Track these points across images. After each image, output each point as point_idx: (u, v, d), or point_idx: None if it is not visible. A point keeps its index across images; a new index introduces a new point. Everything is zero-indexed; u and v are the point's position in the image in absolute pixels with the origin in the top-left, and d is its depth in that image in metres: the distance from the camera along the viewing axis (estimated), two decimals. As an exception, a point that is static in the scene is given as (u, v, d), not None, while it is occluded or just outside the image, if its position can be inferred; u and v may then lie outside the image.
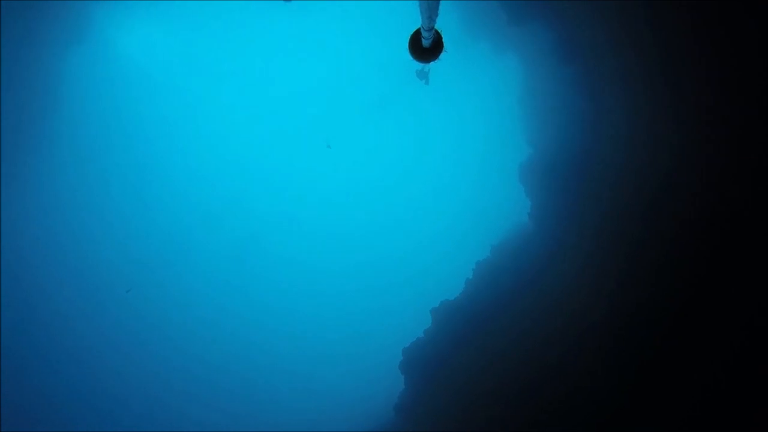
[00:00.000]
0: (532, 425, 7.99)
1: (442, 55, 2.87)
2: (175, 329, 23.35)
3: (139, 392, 20.36)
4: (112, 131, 21.50)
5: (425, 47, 2.66)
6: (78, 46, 14.36)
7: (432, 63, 3.05)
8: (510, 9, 11.56)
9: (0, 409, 10.42)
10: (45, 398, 14.41)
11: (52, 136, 14.95)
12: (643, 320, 7.00)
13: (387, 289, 28.58)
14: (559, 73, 11.14)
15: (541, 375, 8.40)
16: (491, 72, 19.47)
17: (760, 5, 5.51)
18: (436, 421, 10.83)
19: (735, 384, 5.64)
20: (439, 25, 2.48)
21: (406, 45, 2.88)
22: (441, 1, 1.68)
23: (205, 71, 27.87)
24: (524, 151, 14.61)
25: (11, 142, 12.62)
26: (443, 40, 2.57)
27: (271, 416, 22.54)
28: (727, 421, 5.52)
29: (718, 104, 6.47)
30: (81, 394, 17.38)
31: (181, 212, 26.07)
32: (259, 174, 30.54)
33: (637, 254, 7.57)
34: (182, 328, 23.79)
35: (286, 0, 19.47)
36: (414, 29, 2.86)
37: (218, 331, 25.40)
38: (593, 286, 8.55)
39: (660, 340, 6.64)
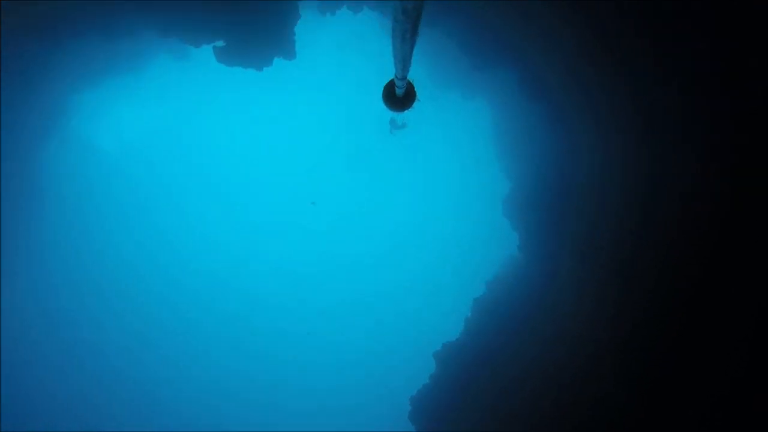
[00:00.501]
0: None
1: (415, 104, 3.06)
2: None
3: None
4: (94, 218, 21.58)
5: (398, 96, 2.84)
6: (52, 138, 14.66)
7: (406, 112, 3.19)
8: (473, 55, 12.17)
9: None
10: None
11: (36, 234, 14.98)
12: (646, 336, 7.04)
13: (382, 337, 28.21)
14: (528, 108, 11.64)
15: (554, 404, 8.29)
16: (463, 116, 20.16)
17: (718, 29, 5.93)
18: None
19: (741, 401, 5.66)
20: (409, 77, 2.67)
21: (380, 95, 3.06)
22: (413, 51, 1.84)
23: (180, 145, 28.57)
24: (505, 185, 14.97)
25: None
26: (415, 89, 2.75)
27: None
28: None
29: (684, 127, 6.81)
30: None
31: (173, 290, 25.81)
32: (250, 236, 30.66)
33: (631, 274, 7.71)
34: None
35: None
36: (386, 81, 3.05)
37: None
38: (593, 309, 8.61)
39: (666, 354, 6.66)
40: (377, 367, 26.79)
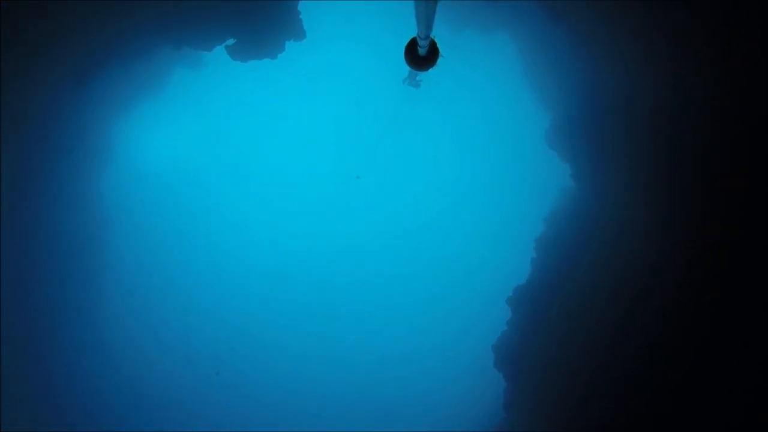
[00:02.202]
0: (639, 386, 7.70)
1: (439, 61, 2.91)
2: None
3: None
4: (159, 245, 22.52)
5: (422, 55, 2.72)
6: (105, 168, 15.27)
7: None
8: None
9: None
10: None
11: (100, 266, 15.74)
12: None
13: (455, 292, 28.35)
14: (554, 34, 11.08)
15: (627, 317, 8.12)
16: (486, 53, 19.38)
17: None
18: (551, 409, 10.54)
19: None
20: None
21: (402, 55, 2.93)
22: (437, 8, 1.74)
23: (218, 149, 29.29)
24: (545, 117, 14.42)
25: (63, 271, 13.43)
26: (437, 45, 2.62)
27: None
28: None
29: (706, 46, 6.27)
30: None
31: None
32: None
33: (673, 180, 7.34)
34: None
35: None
36: (408, 40, 2.91)
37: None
38: (659, 222, 8.26)
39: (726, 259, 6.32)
40: (454, 320, 27.01)
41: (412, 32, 2.70)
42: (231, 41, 12.57)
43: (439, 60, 2.95)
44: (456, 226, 30.62)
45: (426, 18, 1.85)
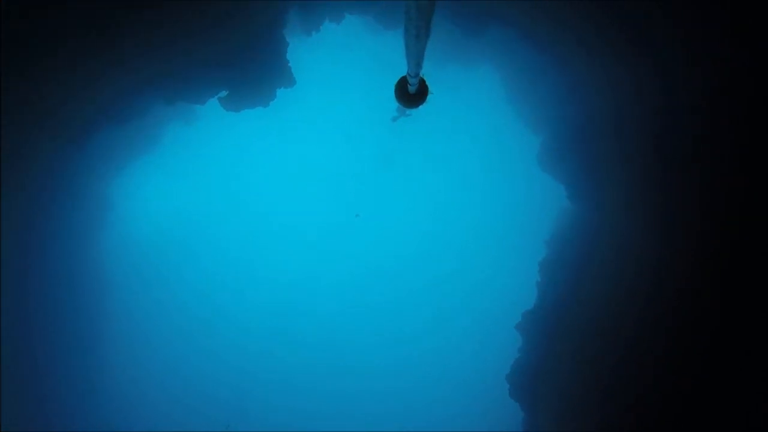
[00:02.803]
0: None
1: (429, 97, 3.03)
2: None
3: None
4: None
5: (412, 93, 2.83)
6: (104, 229, 15.35)
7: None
8: (463, 23, 12.01)
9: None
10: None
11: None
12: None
13: (458, 322, 28.13)
14: (536, 59, 11.39)
15: (638, 323, 8.05)
16: (473, 86, 19.84)
17: None
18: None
19: None
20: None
21: (393, 94, 3.05)
22: (426, 47, 1.83)
23: (219, 200, 29.51)
24: (534, 142, 14.65)
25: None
26: (427, 83, 2.73)
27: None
28: None
29: (688, 55, 6.51)
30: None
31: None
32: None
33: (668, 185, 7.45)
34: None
35: None
36: (388, 79, 3.04)
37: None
38: (660, 241, 8.32)
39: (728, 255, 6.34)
40: (465, 350, 26.65)
41: (399, 70, 2.80)
42: (223, 93, 12.88)
43: (429, 96, 3.05)
44: (459, 256, 30.58)
45: (416, 56, 1.95)
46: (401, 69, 2.64)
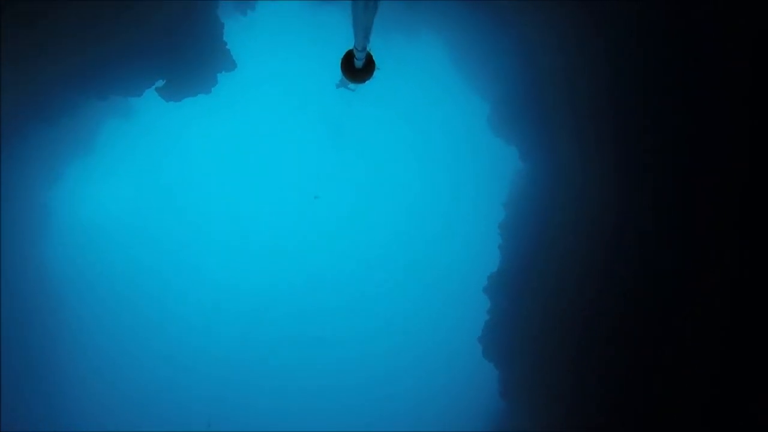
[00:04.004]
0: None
1: (375, 72, 2.91)
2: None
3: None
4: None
5: (358, 68, 2.68)
6: (46, 235, 14.57)
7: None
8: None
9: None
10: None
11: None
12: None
13: (428, 292, 28.54)
14: (478, 20, 11.27)
15: (603, 278, 8.31)
16: (418, 54, 19.60)
17: None
18: (547, 389, 10.63)
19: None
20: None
21: (339, 66, 2.91)
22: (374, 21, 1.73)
23: (167, 196, 28.44)
24: (483, 107, 14.71)
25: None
26: (374, 58, 2.60)
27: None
28: None
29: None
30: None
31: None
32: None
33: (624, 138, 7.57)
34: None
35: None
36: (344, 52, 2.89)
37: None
38: (617, 188, 8.51)
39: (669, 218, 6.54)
40: (438, 320, 27.07)
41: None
42: (160, 82, 12.19)
43: (375, 71, 2.93)
44: (420, 227, 30.79)
45: (364, 29, 1.82)
46: (346, 42, 2.51)
